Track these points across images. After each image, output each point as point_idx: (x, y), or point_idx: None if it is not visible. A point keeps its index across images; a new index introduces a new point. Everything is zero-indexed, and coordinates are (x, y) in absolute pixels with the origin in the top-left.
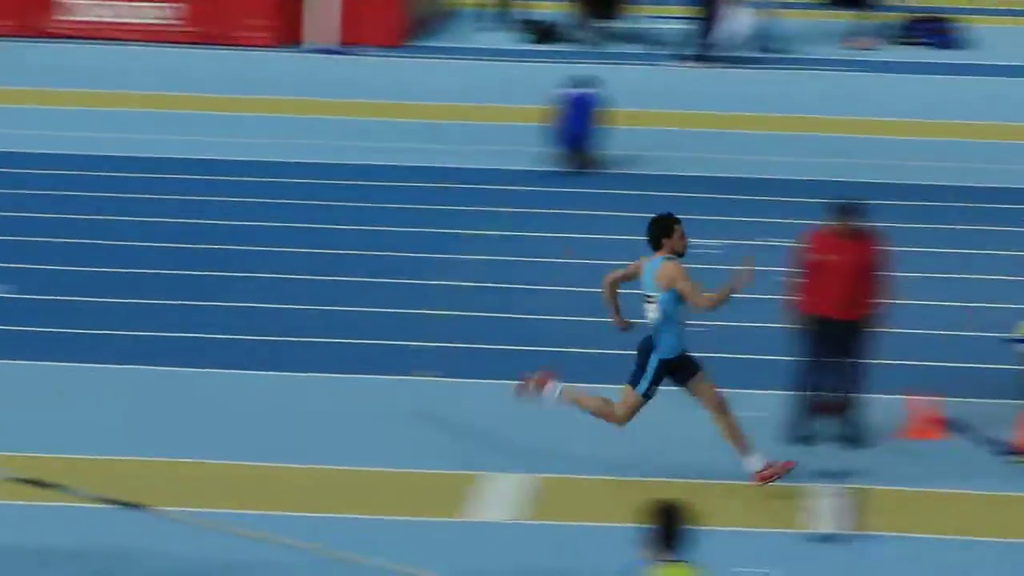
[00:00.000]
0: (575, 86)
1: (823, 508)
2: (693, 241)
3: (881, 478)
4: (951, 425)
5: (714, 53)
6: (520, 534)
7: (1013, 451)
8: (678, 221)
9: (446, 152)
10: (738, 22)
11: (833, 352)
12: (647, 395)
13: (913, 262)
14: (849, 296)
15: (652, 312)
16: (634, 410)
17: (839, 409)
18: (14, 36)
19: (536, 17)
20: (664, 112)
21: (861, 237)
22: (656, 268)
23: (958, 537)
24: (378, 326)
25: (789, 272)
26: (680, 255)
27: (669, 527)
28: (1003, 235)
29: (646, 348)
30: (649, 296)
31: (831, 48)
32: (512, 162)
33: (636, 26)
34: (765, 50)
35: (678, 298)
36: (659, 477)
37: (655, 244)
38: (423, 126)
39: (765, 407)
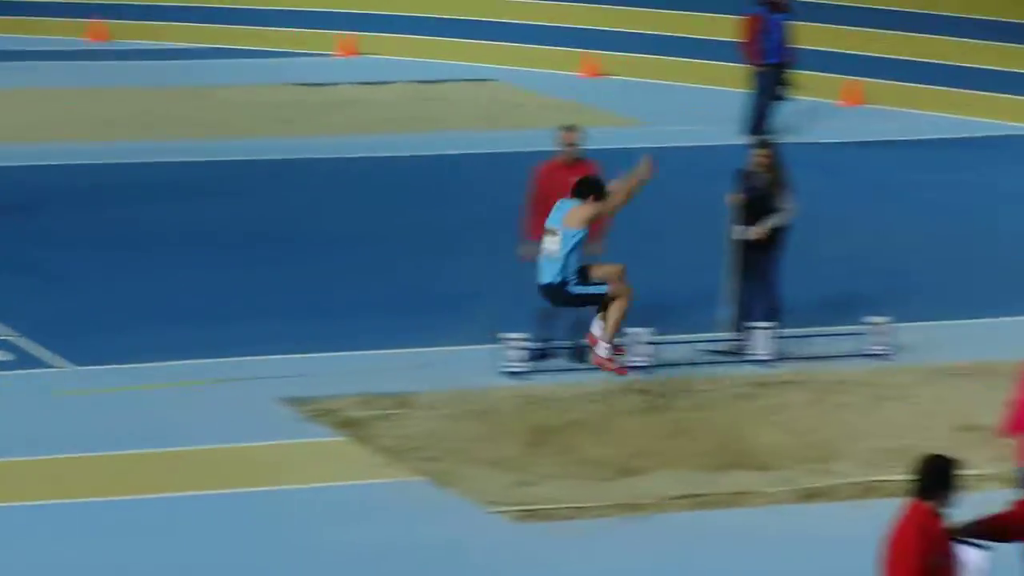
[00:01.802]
0: None
1: None
2: None
3: None
4: None
5: None
6: None
7: None
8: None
9: None
10: None
11: None
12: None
13: None
14: None
15: (553, 245)
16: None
17: None
18: None
19: None
20: None
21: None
22: (568, 209)
23: None
24: None
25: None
26: None
27: None
28: None
29: (558, 289)
30: (554, 230)
31: None
32: None
33: None
34: None
35: (582, 240)
36: None
37: (581, 196)
38: None
39: None
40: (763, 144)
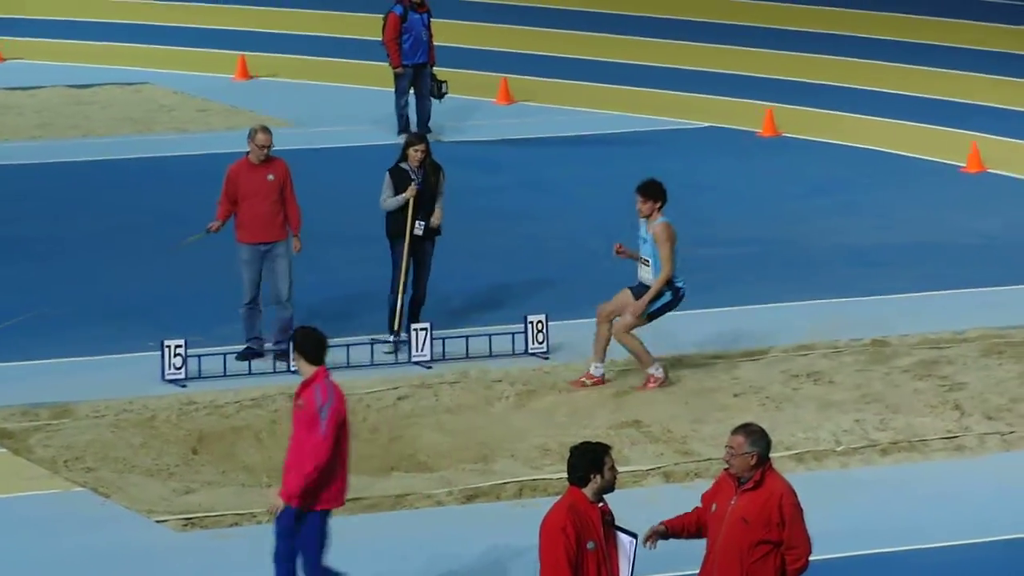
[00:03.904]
0: None
1: None
2: None
3: None
4: None
5: None
6: None
7: None
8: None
9: None
10: None
11: None
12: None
13: None
14: None
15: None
16: None
17: None
18: None
19: None
20: None
21: None
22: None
23: None
24: None
25: None
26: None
27: None
28: None
29: None
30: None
31: None
32: None
33: None
34: None
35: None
36: None
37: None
38: None
39: None
40: (418, 138)
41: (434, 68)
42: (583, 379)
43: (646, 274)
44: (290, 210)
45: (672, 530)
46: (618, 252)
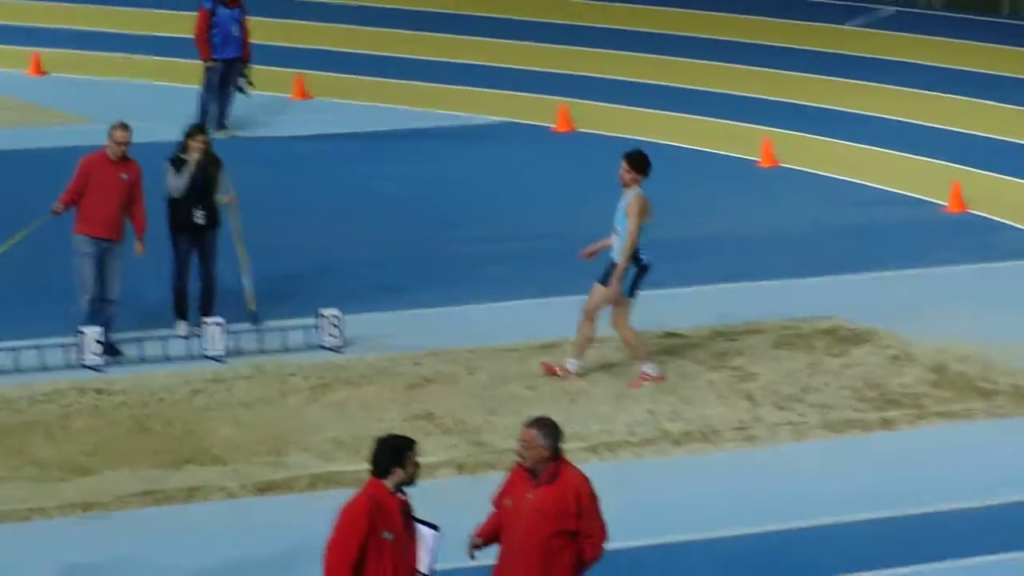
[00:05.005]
0: None
1: None
2: None
3: None
4: None
5: None
6: None
7: None
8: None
9: None
10: None
11: None
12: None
13: None
14: None
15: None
16: None
17: None
18: None
19: None
20: None
21: None
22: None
23: None
24: None
25: None
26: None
27: None
28: None
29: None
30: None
31: None
32: None
33: None
34: None
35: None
36: None
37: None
38: None
39: None
40: (198, 129)
41: (248, 64)
42: (557, 369)
43: (616, 243)
44: (136, 213)
45: (486, 539)
46: (586, 256)
